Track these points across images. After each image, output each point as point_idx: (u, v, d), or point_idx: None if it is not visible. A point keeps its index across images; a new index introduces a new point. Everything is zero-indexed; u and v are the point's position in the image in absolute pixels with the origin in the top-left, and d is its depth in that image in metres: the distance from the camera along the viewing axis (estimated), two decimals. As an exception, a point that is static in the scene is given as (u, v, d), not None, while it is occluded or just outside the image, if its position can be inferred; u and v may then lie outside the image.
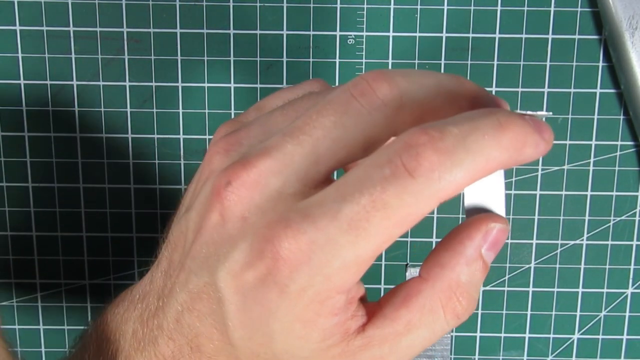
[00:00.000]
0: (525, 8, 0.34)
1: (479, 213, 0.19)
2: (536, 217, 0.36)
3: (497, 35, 0.35)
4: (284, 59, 0.34)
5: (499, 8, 0.34)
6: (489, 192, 0.19)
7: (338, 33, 0.34)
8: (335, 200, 0.15)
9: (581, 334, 0.37)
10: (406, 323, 0.17)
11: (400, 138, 0.15)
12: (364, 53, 0.35)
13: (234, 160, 0.17)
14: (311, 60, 0.35)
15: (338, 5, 0.34)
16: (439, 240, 0.38)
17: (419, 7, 0.34)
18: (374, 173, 0.15)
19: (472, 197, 0.19)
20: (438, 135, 0.15)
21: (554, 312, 0.37)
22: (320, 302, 0.16)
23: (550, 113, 0.17)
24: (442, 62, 0.35)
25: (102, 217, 0.36)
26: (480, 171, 0.15)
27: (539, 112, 0.16)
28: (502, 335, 0.37)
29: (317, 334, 0.16)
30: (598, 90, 0.35)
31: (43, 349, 0.38)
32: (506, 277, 0.37)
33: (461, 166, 0.15)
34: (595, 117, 0.35)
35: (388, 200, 0.15)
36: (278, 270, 0.15)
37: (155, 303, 0.19)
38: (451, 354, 0.37)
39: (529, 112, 0.16)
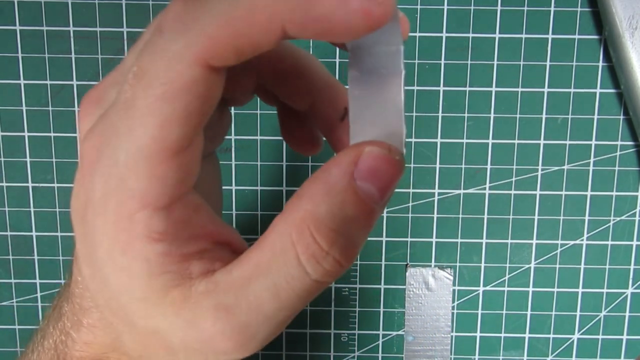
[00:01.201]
0: (525, 8, 0.34)
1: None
2: (536, 217, 0.36)
3: (497, 35, 0.35)
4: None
5: (499, 8, 0.34)
6: (381, 114, 0.15)
7: (338, 33, 0.34)
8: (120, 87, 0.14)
9: (581, 334, 0.37)
10: (255, 265, 0.14)
11: None
12: (364, 53, 0.35)
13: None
14: (311, 60, 0.35)
15: (338, 5, 0.34)
16: (439, 240, 0.38)
17: (419, 7, 0.34)
18: (141, 45, 0.14)
19: (360, 122, 0.15)
20: None
21: (554, 312, 0.37)
22: (128, 217, 0.14)
23: None
24: (442, 62, 0.35)
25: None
26: (241, 20, 0.13)
27: None
28: (502, 335, 0.37)
29: (140, 265, 0.14)
30: (598, 90, 0.35)
31: (43, 349, 0.38)
32: (506, 277, 0.37)
33: (210, 13, 0.13)
34: (595, 117, 0.35)
35: (144, 67, 0.13)
36: (83, 177, 0.14)
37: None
38: (451, 354, 0.37)
39: None
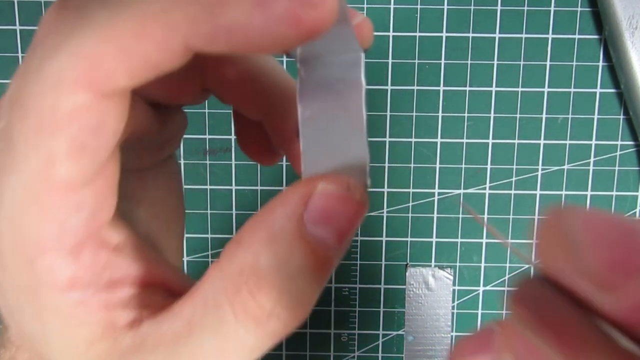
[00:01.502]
0: (525, 8, 0.34)
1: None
2: (536, 217, 0.36)
3: (497, 35, 0.35)
4: (284, 59, 0.34)
5: (499, 8, 0.34)
6: (339, 139, 0.12)
7: (338, 33, 0.34)
8: None
9: (581, 334, 0.37)
10: (187, 321, 0.12)
11: None
12: (364, 53, 0.35)
13: None
14: (311, 60, 0.35)
15: (338, 5, 0.34)
16: (439, 240, 0.38)
17: (419, 7, 0.34)
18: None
19: (313, 149, 0.12)
20: None
21: (554, 312, 0.37)
22: (28, 262, 0.11)
23: None
24: (442, 61, 0.35)
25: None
26: (129, 33, 0.10)
27: None
28: (502, 335, 0.37)
29: (53, 317, 0.12)
30: (598, 90, 0.35)
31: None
32: (506, 277, 0.37)
33: (90, 24, 0.10)
34: (595, 117, 0.35)
35: (18, 90, 0.11)
36: None
37: None
38: (451, 354, 0.37)
39: None
